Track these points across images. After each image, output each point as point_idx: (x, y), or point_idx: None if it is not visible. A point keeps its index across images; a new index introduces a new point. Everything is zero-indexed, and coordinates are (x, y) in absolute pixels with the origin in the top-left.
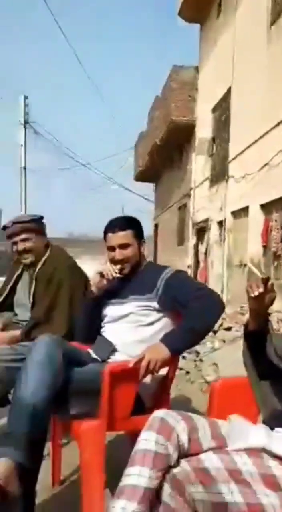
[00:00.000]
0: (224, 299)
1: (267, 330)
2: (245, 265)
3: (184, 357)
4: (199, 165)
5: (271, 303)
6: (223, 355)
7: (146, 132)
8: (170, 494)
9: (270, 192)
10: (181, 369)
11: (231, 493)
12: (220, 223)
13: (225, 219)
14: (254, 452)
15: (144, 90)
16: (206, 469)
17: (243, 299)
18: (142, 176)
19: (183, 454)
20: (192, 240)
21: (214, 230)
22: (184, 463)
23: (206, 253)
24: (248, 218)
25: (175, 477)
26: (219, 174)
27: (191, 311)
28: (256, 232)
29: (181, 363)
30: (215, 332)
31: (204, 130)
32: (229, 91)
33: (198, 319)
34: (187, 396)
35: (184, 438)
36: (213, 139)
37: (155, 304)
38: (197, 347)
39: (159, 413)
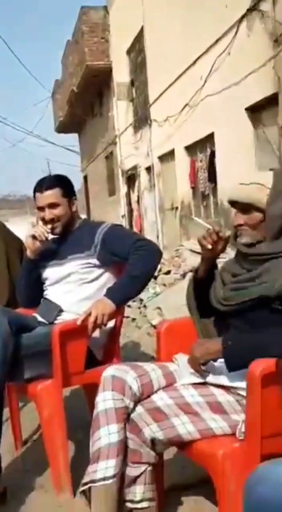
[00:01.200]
0: (160, 245)
1: (213, 277)
2: (176, 208)
3: (129, 306)
4: (120, 111)
5: (222, 250)
6: (165, 299)
7: (61, 80)
8: (130, 437)
9: (193, 133)
10: (127, 317)
11: (183, 424)
12: (148, 169)
13: (152, 165)
14: (200, 384)
15: (55, 33)
16: (158, 407)
17: (178, 242)
18: (63, 127)
19: (137, 400)
20: (122, 189)
21: (143, 177)
22: (138, 407)
23: (138, 201)
24: (174, 161)
25: (132, 422)
26: (141, 119)
27: (131, 262)
28: (184, 174)
29: (127, 311)
30: (155, 278)
31: (121, 74)
32: (141, 31)
33: (139, 269)
34: (135, 341)
35: (135, 387)
36: (132, 83)
37: (95, 261)
38: (140, 294)
39: (108, 371)
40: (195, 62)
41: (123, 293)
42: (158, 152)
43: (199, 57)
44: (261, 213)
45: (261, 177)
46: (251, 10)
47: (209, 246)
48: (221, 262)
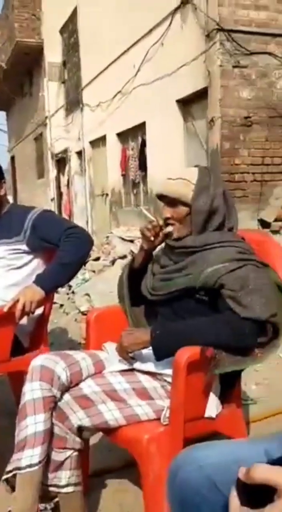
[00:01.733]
0: (89, 230)
1: (146, 268)
2: (107, 194)
3: (57, 292)
4: (51, 92)
5: (160, 243)
6: (94, 285)
7: None
8: (56, 424)
9: (126, 120)
10: (55, 303)
11: (110, 411)
12: (79, 153)
13: (84, 149)
14: (127, 371)
15: None
16: (85, 395)
17: (108, 228)
18: None
19: (65, 389)
20: (52, 172)
21: (74, 161)
22: (66, 395)
23: (68, 185)
24: (106, 147)
25: (59, 409)
26: (73, 102)
27: (62, 249)
28: (115, 161)
29: (55, 297)
30: (84, 264)
31: (53, 54)
32: (75, 12)
33: (70, 256)
34: (63, 328)
35: (64, 377)
36: (64, 64)
37: (24, 247)
38: None
39: (37, 361)
40: (128, 49)
41: (53, 281)
42: (90, 137)
43: (132, 45)
44: (187, 207)
45: (187, 172)
46: (184, 3)
47: (152, 238)
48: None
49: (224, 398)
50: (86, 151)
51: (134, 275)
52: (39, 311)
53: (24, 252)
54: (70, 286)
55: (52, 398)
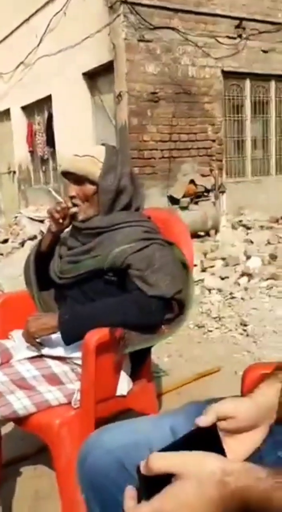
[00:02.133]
0: None
1: (53, 251)
2: (14, 172)
3: None
4: None
5: (67, 225)
6: (2, 269)
7: None
8: None
9: (30, 93)
10: None
11: (19, 400)
12: None
13: None
14: (35, 358)
15: None
16: None
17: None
18: None
19: None
20: None
21: None
22: None
23: None
24: (10, 121)
25: None
26: None
27: None
28: (21, 136)
29: None
30: None
31: None
32: None
33: None
34: None
35: None
36: None
37: None
38: None
39: None
40: (29, 18)
41: None
42: None
43: (34, 13)
44: (93, 186)
45: (95, 150)
46: None
47: (60, 220)
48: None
49: (134, 375)
50: None
51: (42, 259)
52: None
53: None
54: None
55: None
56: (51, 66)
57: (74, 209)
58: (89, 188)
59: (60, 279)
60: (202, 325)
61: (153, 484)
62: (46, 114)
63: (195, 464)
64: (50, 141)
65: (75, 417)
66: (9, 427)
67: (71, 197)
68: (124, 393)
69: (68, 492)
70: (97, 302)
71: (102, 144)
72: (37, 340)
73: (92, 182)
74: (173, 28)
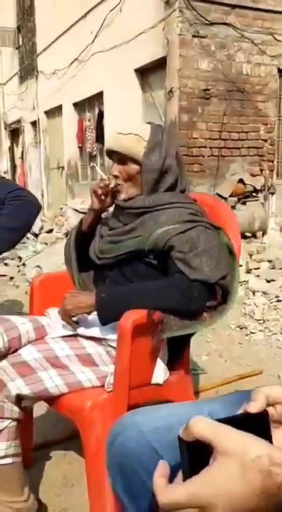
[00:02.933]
0: (44, 204)
1: (94, 231)
2: (62, 167)
3: (6, 264)
4: (5, 58)
5: (109, 204)
6: (45, 257)
7: None
8: None
9: (82, 90)
10: (4, 275)
11: (51, 378)
12: (34, 124)
13: (38, 119)
14: (70, 337)
15: None
16: (25, 361)
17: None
18: None
19: (3, 355)
20: (5, 143)
21: (28, 131)
22: (3, 362)
23: (22, 157)
24: (62, 117)
25: None
26: (28, 69)
27: (6, 212)
28: (71, 132)
29: (4, 269)
30: (36, 236)
31: (6, 18)
32: None
33: (15, 219)
34: (12, 300)
35: (1, 343)
36: (19, 29)
37: None
38: (19, 253)
39: None
40: (86, 14)
41: None
42: (45, 107)
43: (90, 10)
44: (137, 165)
45: (140, 128)
46: None
47: (103, 197)
48: None
49: (172, 365)
50: (41, 122)
51: (83, 238)
52: None
53: None
54: (20, 258)
55: None
56: (104, 62)
57: (117, 183)
58: (133, 167)
59: (99, 259)
60: (244, 327)
61: (194, 457)
62: (96, 111)
63: (240, 443)
64: (100, 138)
65: (108, 401)
66: (42, 410)
67: (114, 177)
68: (160, 381)
69: (96, 478)
70: (136, 283)
71: (148, 123)
72: (74, 318)
73: (135, 161)
74: (228, 24)
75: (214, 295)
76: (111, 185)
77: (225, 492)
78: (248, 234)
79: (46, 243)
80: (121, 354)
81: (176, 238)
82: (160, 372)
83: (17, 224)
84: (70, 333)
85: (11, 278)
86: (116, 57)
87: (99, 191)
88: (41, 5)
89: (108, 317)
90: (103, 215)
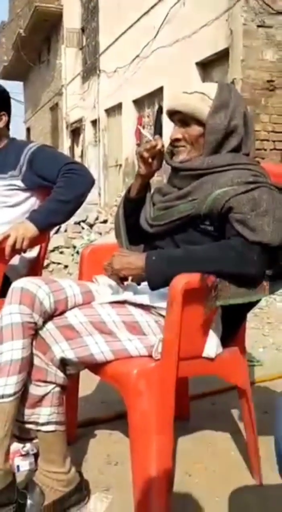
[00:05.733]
0: (102, 202)
1: (144, 199)
2: (120, 165)
3: (61, 252)
4: (69, 59)
5: (158, 167)
6: None
7: (8, 21)
8: (36, 354)
9: (143, 86)
10: (58, 263)
11: (96, 344)
12: (94, 122)
13: (99, 118)
14: (118, 303)
15: None
16: (70, 325)
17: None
18: (8, 73)
19: (48, 317)
20: (66, 142)
21: (88, 130)
22: (48, 323)
23: (81, 156)
24: (121, 115)
25: (41, 339)
26: (90, 69)
27: (59, 185)
28: (130, 130)
29: (59, 257)
30: (91, 226)
31: (72, 20)
32: None
33: (67, 193)
34: None
35: (47, 303)
36: (82, 30)
37: (19, 183)
38: (74, 241)
39: (18, 283)
40: (148, 11)
41: (48, 218)
42: (105, 105)
43: (152, 6)
44: (201, 127)
45: (206, 86)
46: None
47: (149, 160)
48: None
49: (226, 340)
50: (101, 120)
51: (131, 207)
52: (33, 253)
53: (20, 189)
54: (74, 247)
55: (32, 324)
56: (165, 57)
57: (163, 144)
58: (196, 129)
59: (151, 227)
60: None
61: None
62: (156, 107)
63: None
64: (158, 134)
65: (156, 370)
66: (88, 389)
67: (176, 140)
68: (212, 355)
69: (141, 455)
70: (189, 246)
71: (216, 82)
72: (125, 283)
73: (199, 123)
74: None
75: (276, 261)
76: (158, 147)
77: None
78: None
79: (100, 233)
80: (171, 320)
81: (236, 199)
82: (212, 345)
83: (71, 196)
84: (119, 299)
85: (66, 266)
86: (178, 51)
87: (146, 154)
88: (105, 5)
89: (158, 281)
90: (156, 184)
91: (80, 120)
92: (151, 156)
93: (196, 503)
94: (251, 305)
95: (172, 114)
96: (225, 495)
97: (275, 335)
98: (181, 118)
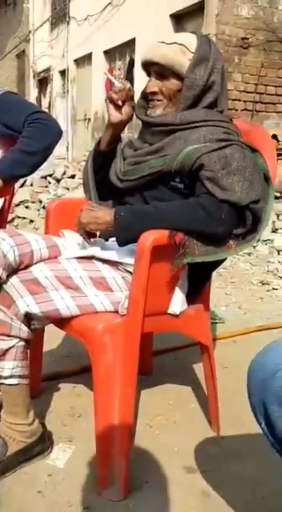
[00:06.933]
0: (70, 157)
1: (115, 152)
2: (89, 119)
3: (27, 207)
4: (37, 2)
5: (128, 117)
6: None
7: None
8: (1, 309)
9: (114, 36)
10: (24, 218)
11: (62, 299)
12: (63, 73)
13: (67, 68)
14: (85, 259)
15: None
16: (36, 279)
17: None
18: None
19: (13, 270)
20: (33, 92)
21: (56, 81)
22: (13, 277)
23: (49, 107)
24: (91, 66)
25: (5, 293)
26: (59, 15)
27: (25, 135)
28: (100, 82)
29: (24, 211)
30: (58, 181)
31: None
32: None
33: (32, 142)
34: None
35: (12, 256)
36: None
37: None
38: (40, 196)
39: None
40: None
41: (11, 169)
42: (75, 55)
43: None
44: (179, 81)
45: (185, 37)
46: None
47: (120, 103)
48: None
49: (191, 298)
50: (70, 70)
51: (101, 161)
52: None
53: None
54: (40, 201)
55: None
56: (138, 7)
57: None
58: (174, 83)
59: (121, 182)
60: (267, 283)
61: None
62: (127, 59)
63: None
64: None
65: (121, 325)
66: (52, 343)
67: (152, 93)
68: (177, 312)
69: (103, 407)
70: (158, 203)
71: (192, 32)
72: (92, 240)
73: (178, 76)
74: None
75: (244, 221)
76: (127, 87)
77: None
78: (278, 194)
79: (67, 188)
80: (138, 276)
81: (207, 156)
82: (178, 302)
83: (37, 147)
84: (86, 254)
85: (31, 221)
86: (152, 1)
87: (115, 96)
88: None
89: (126, 237)
90: (128, 137)
91: (48, 70)
92: (121, 98)
93: (156, 454)
94: (217, 263)
95: (148, 65)
96: (184, 445)
97: (237, 294)
98: (158, 70)
